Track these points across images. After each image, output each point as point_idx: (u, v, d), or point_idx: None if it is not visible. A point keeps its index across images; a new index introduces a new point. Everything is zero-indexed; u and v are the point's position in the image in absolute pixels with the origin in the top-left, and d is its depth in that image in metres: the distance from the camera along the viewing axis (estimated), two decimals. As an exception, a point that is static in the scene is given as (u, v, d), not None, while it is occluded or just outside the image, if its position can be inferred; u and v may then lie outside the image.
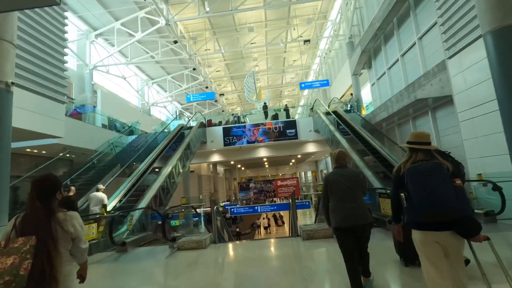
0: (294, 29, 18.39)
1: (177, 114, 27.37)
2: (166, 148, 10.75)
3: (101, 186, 6.64)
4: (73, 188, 6.51)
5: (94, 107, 16.72)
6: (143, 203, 6.84)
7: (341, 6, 16.67)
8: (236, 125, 14.89)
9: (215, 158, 16.08)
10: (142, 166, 8.89)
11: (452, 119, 8.44)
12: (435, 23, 8.68)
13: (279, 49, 22.53)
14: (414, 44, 10.03)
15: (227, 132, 14.56)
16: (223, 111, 28.97)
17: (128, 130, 14.46)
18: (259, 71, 23.98)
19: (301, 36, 18.84)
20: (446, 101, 8.58)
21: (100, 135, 12.18)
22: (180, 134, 12.68)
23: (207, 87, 23.25)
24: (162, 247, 4.93)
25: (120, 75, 20.16)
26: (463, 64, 6.10)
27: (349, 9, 15.83)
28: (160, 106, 27.38)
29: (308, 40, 17.95)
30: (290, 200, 5.23)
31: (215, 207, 4.99)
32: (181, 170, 10.07)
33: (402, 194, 1.97)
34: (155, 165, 9.32)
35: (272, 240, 5.00)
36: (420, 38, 9.71)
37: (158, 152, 10.29)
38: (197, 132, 13.32)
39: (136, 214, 6.25)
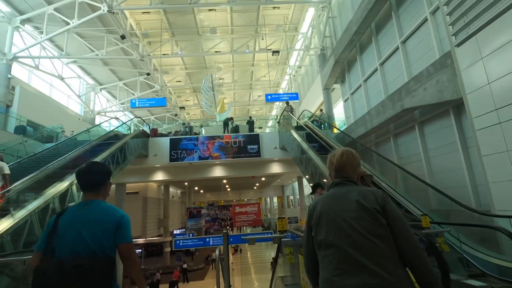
0: (262, 39, 16.83)
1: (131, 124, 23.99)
2: (76, 160, 7.77)
3: None
4: None
5: (8, 106, 13.27)
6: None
7: (313, 17, 15.52)
8: (187, 136, 12.21)
9: (159, 176, 13.06)
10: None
11: (447, 135, 6.77)
12: (425, 21, 7.30)
13: (246, 61, 20.81)
14: (397, 49, 8.57)
15: (175, 144, 11.80)
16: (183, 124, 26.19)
17: (39, 135, 11.10)
18: (224, 83, 21.90)
19: (270, 49, 17.29)
20: (439, 112, 6.94)
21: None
22: (109, 143, 9.75)
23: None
24: None
25: (56, 74, 16.81)
26: (484, 49, 4.35)
27: (321, 21, 14.63)
28: (110, 116, 23.86)
29: (277, 51, 16.43)
30: (218, 250, 2.60)
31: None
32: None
33: None
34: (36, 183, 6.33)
35: None
36: (404, 41, 8.28)
37: (60, 165, 7.29)
38: (133, 142, 10.42)
39: None
